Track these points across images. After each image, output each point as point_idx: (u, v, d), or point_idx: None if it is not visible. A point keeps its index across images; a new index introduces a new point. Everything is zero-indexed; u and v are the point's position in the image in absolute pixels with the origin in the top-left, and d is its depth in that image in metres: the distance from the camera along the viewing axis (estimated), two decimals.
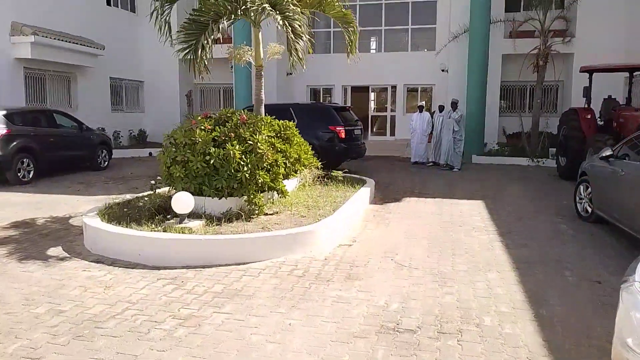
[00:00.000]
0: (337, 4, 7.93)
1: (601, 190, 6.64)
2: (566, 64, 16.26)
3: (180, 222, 5.64)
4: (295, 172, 7.99)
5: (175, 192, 5.91)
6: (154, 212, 6.17)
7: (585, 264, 5.27)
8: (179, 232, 5.39)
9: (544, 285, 4.62)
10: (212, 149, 6.04)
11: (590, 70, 11.45)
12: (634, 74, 11.47)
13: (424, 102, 15.25)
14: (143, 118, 19.98)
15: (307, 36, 7.61)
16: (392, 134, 20.46)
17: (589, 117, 11.04)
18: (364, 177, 9.94)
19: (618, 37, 15.20)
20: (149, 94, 20.13)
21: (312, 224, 5.82)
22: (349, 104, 18.78)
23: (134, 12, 19.27)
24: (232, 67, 17.16)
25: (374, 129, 21.30)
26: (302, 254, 5.40)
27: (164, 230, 5.47)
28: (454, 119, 13.42)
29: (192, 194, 5.82)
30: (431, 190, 10.04)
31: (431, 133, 14.51)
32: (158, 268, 4.97)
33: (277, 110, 12.72)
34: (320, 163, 8.61)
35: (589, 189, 7.11)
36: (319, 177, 8.86)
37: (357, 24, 8.69)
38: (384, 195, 9.41)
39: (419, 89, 20.29)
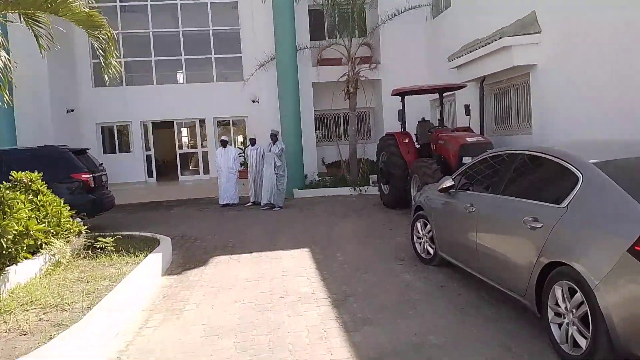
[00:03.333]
0: (74, 4, 5.59)
1: (445, 230, 5.43)
2: (375, 89, 16.13)
3: None
4: (40, 247, 5.36)
5: None
6: None
7: (458, 352, 3.77)
8: None
9: None
10: None
11: (401, 93, 10.91)
12: (444, 94, 11.26)
13: (225, 137, 13.41)
14: None
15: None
16: (207, 172, 18.26)
17: (407, 141, 10.41)
18: (159, 236, 7.59)
19: (420, 61, 15.48)
20: None
21: (29, 352, 3.35)
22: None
23: None
24: None
25: (184, 168, 18.81)
26: None
27: None
28: (274, 153, 11.80)
29: None
30: (249, 242, 8.11)
31: (245, 170, 12.71)
32: None
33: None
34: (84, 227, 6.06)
35: (428, 227, 5.90)
36: (86, 248, 6.27)
37: (113, 39, 6.43)
38: (187, 257, 7.18)
39: (231, 122, 18.55)
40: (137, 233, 8.00)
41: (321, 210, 11.15)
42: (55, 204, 5.95)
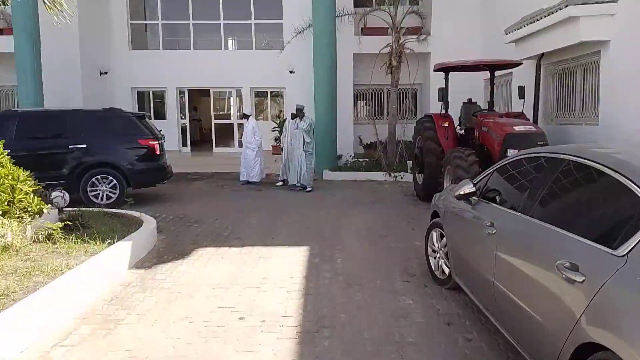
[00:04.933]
0: None
1: (461, 249, 4.17)
2: (423, 65, 14.57)
3: None
4: None
5: None
6: None
7: None
8: None
9: None
10: None
11: (445, 69, 9.42)
12: (495, 73, 9.67)
13: (249, 109, 12.36)
14: None
15: None
16: (240, 144, 17.43)
17: (447, 125, 8.97)
18: (146, 217, 6.79)
19: (475, 36, 13.78)
20: None
21: None
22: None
23: None
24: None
25: (220, 139, 18.10)
26: None
27: None
28: (302, 129, 10.71)
29: None
30: (247, 231, 7.15)
31: (278, 145, 11.65)
32: None
33: (44, 120, 9.13)
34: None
35: (444, 240, 4.65)
36: (62, 227, 5.49)
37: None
38: (171, 246, 6.32)
39: (269, 93, 17.54)
40: (124, 211, 7.21)
41: (344, 197, 10.01)
42: (10, 177, 5.16)
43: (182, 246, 6.34)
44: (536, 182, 3.24)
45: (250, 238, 6.72)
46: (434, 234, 4.94)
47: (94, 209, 7.32)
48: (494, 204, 3.67)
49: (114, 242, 5.38)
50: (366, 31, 14.59)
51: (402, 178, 12.07)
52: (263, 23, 16.87)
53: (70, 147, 8.69)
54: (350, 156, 14.02)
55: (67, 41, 13.64)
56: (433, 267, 4.95)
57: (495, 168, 3.99)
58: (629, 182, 2.44)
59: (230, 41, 17.37)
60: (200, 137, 20.83)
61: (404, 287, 4.82)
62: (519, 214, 3.22)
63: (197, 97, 19.04)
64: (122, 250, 5.34)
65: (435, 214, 5.00)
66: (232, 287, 4.83)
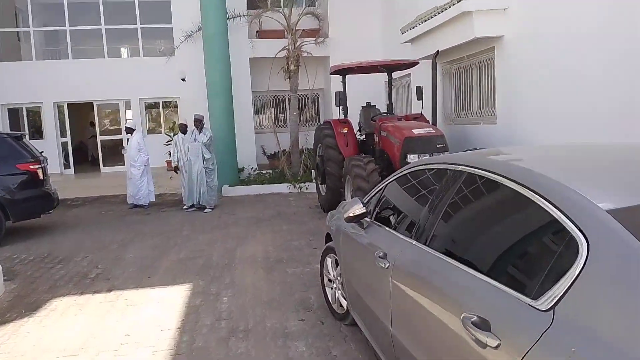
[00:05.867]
0: None
1: (355, 282, 3.47)
2: (323, 69, 14.08)
3: None
4: None
5: None
6: None
7: None
8: None
9: None
10: None
11: (342, 71, 8.87)
12: (394, 74, 9.29)
13: (133, 121, 11.10)
14: None
15: None
16: None
17: (346, 131, 8.41)
18: None
19: (375, 37, 13.51)
20: None
21: None
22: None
23: None
24: None
25: (107, 158, 16.38)
26: None
27: None
28: (201, 142, 9.59)
29: None
30: (120, 269, 6.03)
31: (169, 161, 10.46)
32: None
33: None
34: None
35: (339, 268, 3.95)
36: None
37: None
38: (21, 297, 5.15)
39: (161, 104, 16.20)
40: None
41: (244, 215, 9.12)
42: None
43: (34, 297, 5.14)
44: (432, 201, 2.60)
45: (122, 278, 5.64)
46: (329, 261, 4.23)
47: None
48: (387, 228, 3.01)
49: None
50: (262, 34, 13.84)
51: (307, 189, 11.40)
52: (150, 28, 15.51)
53: None
54: (253, 169, 13.15)
55: None
56: (330, 299, 4.23)
57: (387, 182, 3.34)
58: (544, 201, 1.83)
59: (114, 49, 15.80)
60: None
61: (298, 327, 4.05)
62: (414, 242, 2.56)
63: (84, 111, 17.17)
64: None
65: (328, 237, 4.30)
66: (82, 354, 3.78)
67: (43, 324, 4.42)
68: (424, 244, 2.44)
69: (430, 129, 7.15)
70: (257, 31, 14.02)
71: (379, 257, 2.76)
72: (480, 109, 8.51)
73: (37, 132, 15.51)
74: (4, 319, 4.58)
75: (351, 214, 3.27)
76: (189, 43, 13.91)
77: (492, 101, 7.99)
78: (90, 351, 3.81)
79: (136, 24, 15.28)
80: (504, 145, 7.09)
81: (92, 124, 16.98)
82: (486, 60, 8.13)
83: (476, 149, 7.12)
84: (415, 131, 6.86)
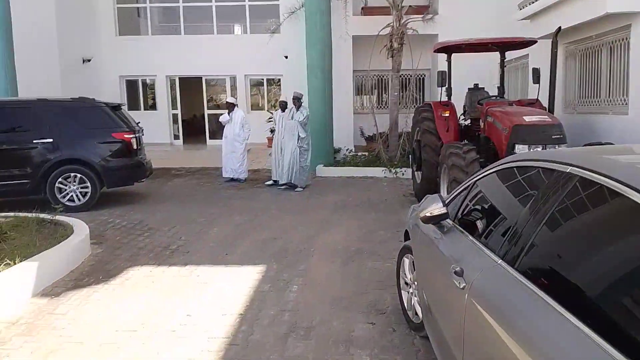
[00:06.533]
0: None
1: (427, 292, 2.95)
2: (430, 48, 13.15)
3: None
4: None
5: None
6: None
7: None
8: None
9: None
10: None
11: (447, 49, 8.09)
12: (508, 54, 8.30)
13: (235, 98, 11.16)
14: None
15: None
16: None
17: (447, 114, 7.67)
18: (79, 224, 5.77)
19: (489, 15, 12.31)
20: None
21: None
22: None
23: None
24: None
25: (214, 131, 16.99)
26: None
27: None
28: (297, 120, 9.39)
29: None
30: (201, 243, 6.03)
31: (270, 138, 10.48)
32: None
33: (3, 111, 8.08)
34: None
35: (416, 272, 3.44)
36: None
37: None
38: (102, 263, 5.28)
39: (265, 81, 16.35)
40: (62, 218, 6.13)
41: (333, 198, 8.80)
42: None
43: (114, 263, 5.26)
44: (527, 210, 2.00)
45: (200, 254, 5.60)
46: (406, 262, 3.73)
47: (25, 214, 6.23)
48: (471, 237, 2.44)
49: (16, 263, 4.33)
50: (367, 11, 13.27)
51: (403, 174, 10.78)
52: (258, 5, 15.62)
53: (34, 142, 7.70)
54: (348, 150, 12.78)
55: (42, 27, 12.66)
56: (406, 304, 3.74)
57: (475, 179, 2.75)
58: None
59: (223, 26, 16.18)
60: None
61: (366, 333, 3.63)
62: (499, 260, 1.99)
63: (195, 86, 17.96)
64: (25, 273, 4.31)
65: (407, 235, 3.79)
66: (141, 330, 3.70)
67: (114, 294, 4.45)
68: (512, 267, 1.87)
69: (546, 116, 6.19)
70: (362, 8, 13.47)
71: (455, 272, 2.23)
72: (609, 96, 7.29)
73: (151, 104, 16.48)
74: (82, 283, 4.70)
75: (428, 214, 2.74)
76: (293, 20, 13.75)
77: (624, 88, 6.79)
78: (149, 329, 3.71)
79: (244, 1, 15.47)
80: (636, 143, 5.97)
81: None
82: (619, 41, 6.90)
83: (602, 144, 6.09)
84: (527, 118, 5.97)
